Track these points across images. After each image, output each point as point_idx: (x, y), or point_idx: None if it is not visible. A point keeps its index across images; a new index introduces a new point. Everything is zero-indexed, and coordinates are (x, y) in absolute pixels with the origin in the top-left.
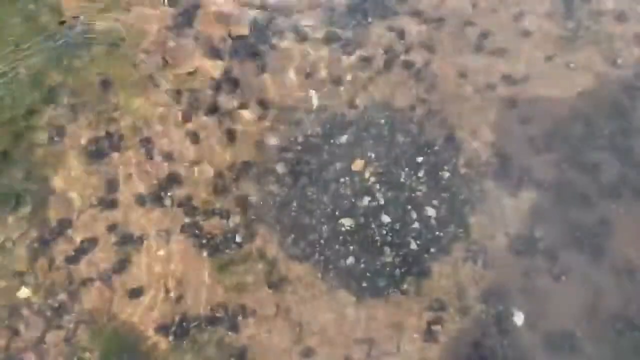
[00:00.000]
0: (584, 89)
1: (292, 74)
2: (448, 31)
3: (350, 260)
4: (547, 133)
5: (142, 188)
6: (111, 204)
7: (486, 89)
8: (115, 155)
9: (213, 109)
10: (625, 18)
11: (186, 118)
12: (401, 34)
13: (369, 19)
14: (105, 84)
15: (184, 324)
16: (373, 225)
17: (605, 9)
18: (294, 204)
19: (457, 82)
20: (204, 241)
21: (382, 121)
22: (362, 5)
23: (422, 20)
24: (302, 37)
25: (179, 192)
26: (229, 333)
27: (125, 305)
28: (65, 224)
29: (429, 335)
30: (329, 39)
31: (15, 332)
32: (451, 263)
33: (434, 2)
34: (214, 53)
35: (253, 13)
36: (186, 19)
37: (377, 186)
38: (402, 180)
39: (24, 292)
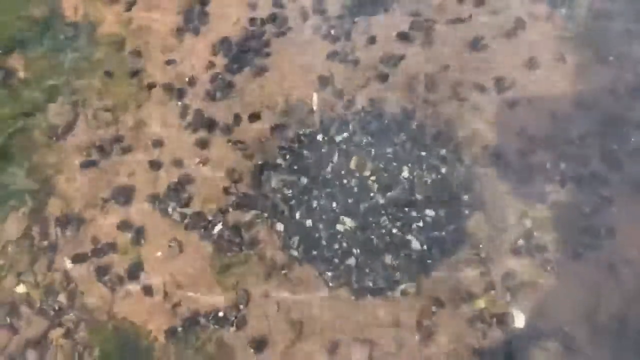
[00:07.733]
0: (583, 87)
1: (292, 76)
2: (446, 31)
3: (351, 260)
4: (546, 132)
5: (144, 188)
6: (112, 204)
7: (485, 89)
8: (117, 155)
9: (214, 112)
10: (623, 17)
11: (188, 119)
12: (399, 34)
13: (368, 19)
14: (107, 84)
15: (186, 322)
16: (373, 225)
17: (604, 9)
18: (294, 203)
19: (455, 81)
20: (205, 241)
21: (382, 121)
22: (359, 5)
23: (420, 20)
24: (300, 38)
25: (182, 193)
26: (231, 332)
27: (126, 304)
28: (66, 224)
29: (429, 335)
30: (327, 40)
31: (16, 331)
32: (451, 263)
33: (433, 1)
34: (214, 54)
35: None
36: (192, 19)
37: (377, 185)
38: (402, 179)
39: (21, 290)
